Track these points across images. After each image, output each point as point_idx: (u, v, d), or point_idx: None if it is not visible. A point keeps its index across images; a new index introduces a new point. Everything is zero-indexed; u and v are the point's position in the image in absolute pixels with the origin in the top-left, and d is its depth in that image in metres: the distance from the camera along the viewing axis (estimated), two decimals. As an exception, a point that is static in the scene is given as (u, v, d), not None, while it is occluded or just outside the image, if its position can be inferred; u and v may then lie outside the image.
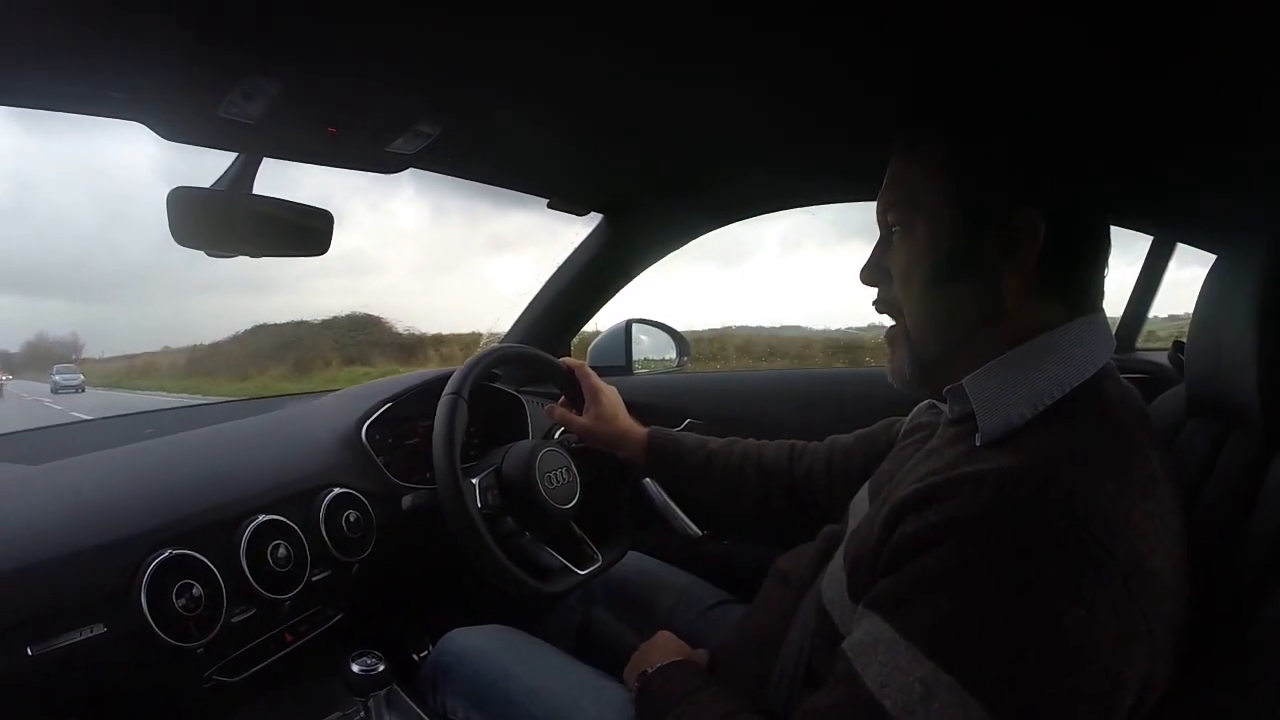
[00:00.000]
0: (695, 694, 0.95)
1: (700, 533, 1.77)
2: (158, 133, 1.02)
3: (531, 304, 1.99)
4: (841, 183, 1.46)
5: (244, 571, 1.09)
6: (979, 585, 0.63)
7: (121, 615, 0.96)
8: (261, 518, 1.14)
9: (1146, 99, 0.84)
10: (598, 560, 1.38)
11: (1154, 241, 1.65)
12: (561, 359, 1.50)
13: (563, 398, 1.52)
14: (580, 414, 1.48)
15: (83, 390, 24.31)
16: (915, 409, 1.06)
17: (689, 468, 1.37)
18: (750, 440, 1.39)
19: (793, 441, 1.35)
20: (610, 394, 1.47)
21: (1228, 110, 0.86)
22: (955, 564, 0.64)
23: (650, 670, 1.03)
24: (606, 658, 1.25)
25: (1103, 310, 0.82)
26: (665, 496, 1.74)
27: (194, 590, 1.02)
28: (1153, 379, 1.48)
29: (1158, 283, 1.71)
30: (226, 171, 1.13)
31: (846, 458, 1.25)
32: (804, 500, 1.26)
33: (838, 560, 0.87)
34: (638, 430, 1.43)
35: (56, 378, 24.74)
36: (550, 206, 1.66)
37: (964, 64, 0.82)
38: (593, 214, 1.79)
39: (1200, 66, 0.77)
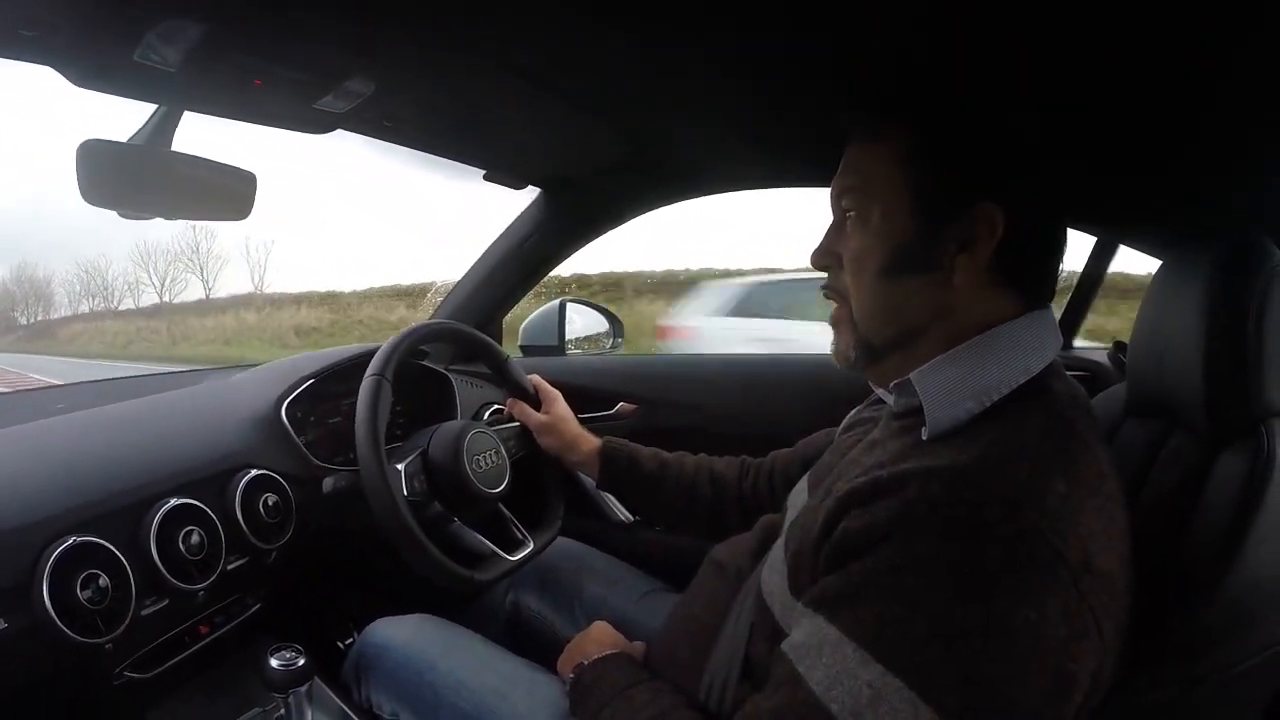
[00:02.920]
0: (631, 689, 0.93)
1: (631, 518, 1.76)
2: (69, 78, 0.96)
3: (463, 280, 1.94)
4: (795, 167, 1.44)
5: (154, 560, 1.03)
6: (927, 585, 0.62)
7: (22, 609, 0.91)
8: (172, 501, 1.07)
9: (1101, 103, 0.85)
10: (529, 545, 1.35)
11: (1097, 242, 1.68)
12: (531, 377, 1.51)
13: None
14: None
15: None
16: (854, 410, 1.07)
17: (643, 477, 1.36)
18: (701, 455, 1.39)
19: (743, 458, 1.36)
20: (563, 401, 1.49)
21: (1176, 119, 0.88)
22: (903, 563, 0.64)
23: (585, 662, 1.00)
24: (536, 647, 1.24)
25: (1051, 307, 0.82)
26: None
27: (100, 581, 0.96)
28: (1092, 377, 1.52)
29: (1099, 282, 1.74)
30: (144, 125, 1.07)
31: (787, 465, 1.26)
32: (752, 515, 1.25)
33: (778, 551, 0.86)
34: (591, 438, 1.43)
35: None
36: (486, 178, 1.61)
37: (931, 53, 0.81)
38: (530, 187, 1.74)
39: (1153, 74, 0.78)
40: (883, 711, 0.60)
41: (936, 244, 0.76)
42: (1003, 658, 0.59)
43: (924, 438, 0.75)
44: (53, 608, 0.91)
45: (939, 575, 0.62)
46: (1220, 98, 0.81)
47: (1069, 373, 0.81)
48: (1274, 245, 0.82)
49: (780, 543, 0.87)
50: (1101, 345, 1.75)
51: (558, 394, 1.49)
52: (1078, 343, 1.81)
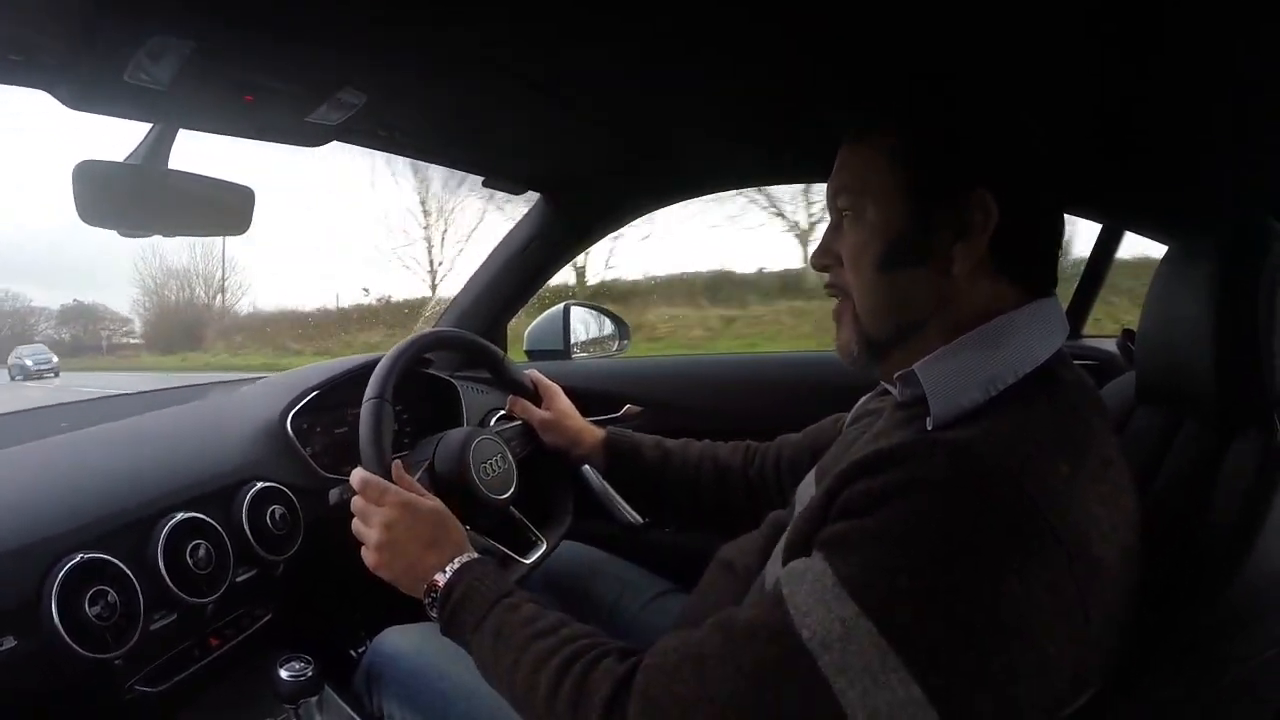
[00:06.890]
0: (509, 598, 0.90)
1: (640, 520, 1.75)
2: (62, 101, 0.96)
3: (465, 288, 1.94)
4: (796, 163, 1.45)
5: (162, 575, 1.03)
6: (917, 543, 0.63)
7: (32, 627, 0.90)
8: (179, 516, 1.07)
9: (1101, 89, 0.85)
10: (541, 545, 1.33)
11: (1102, 229, 1.67)
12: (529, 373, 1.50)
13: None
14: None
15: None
16: (861, 400, 1.06)
17: (647, 466, 1.35)
18: (705, 441, 1.38)
19: (747, 443, 1.35)
20: (564, 396, 1.48)
21: (1180, 105, 0.87)
22: (899, 521, 0.65)
23: (445, 575, 0.95)
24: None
25: (1055, 294, 0.81)
26: (604, 483, 1.70)
27: (108, 597, 0.95)
28: (1101, 366, 1.51)
29: (1106, 270, 1.73)
30: (140, 144, 1.07)
31: (795, 453, 1.25)
32: (759, 500, 1.25)
33: (782, 544, 0.85)
34: (594, 430, 1.42)
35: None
36: (485, 185, 1.61)
37: (911, 45, 0.82)
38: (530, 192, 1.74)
39: (1155, 60, 0.78)
40: (851, 650, 0.61)
41: (931, 234, 0.77)
42: (978, 623, 0.60)
43: (929, 427, 0.75)
44: (62, 624, 0.91)
45: (931, 535, 0.63)
46: (1220, 79, 0.81)
47: (1077, 363, 0.81)
48: None
49: (785, 536, 0.86)
50: (1110, 335, 1.75)
51: (558, 389, 1.47)
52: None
